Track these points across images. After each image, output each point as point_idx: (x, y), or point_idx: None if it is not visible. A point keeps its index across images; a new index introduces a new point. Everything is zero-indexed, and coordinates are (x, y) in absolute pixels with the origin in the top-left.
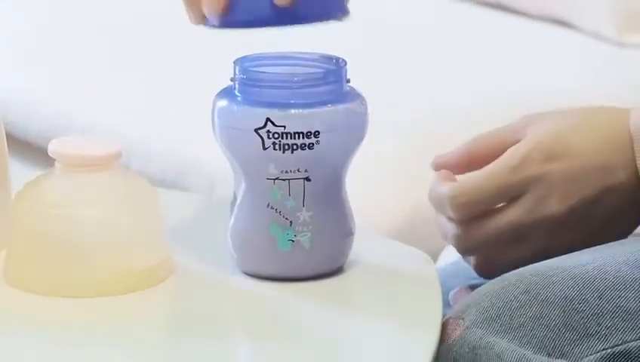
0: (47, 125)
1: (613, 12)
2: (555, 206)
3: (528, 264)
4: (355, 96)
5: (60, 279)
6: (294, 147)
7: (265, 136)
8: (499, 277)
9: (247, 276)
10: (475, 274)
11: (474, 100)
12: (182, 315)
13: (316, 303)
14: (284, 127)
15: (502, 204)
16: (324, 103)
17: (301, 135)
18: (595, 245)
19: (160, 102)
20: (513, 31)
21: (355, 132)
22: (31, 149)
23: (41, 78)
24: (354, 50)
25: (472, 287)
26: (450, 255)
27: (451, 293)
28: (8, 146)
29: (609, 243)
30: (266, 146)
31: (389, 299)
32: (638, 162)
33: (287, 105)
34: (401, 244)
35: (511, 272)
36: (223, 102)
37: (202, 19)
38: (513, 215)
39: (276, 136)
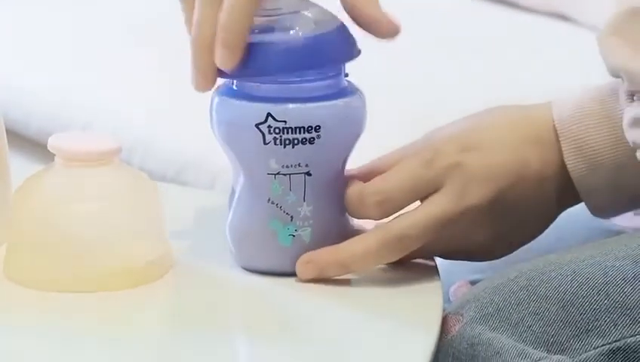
0: (47, 121)
1: (615, 7)
2: (475, 195)
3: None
4: (353, 90)
5: (61, 274)
6: (295, 142)
7: (266, 131)
8: (498, 273)
9: (246, 271)
10: (475, 269)
11: (474, 96)
12: (182, 310)
13: (316, 299)
14: (285, 121)
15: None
16: (324, 98)
17: (302, 129)
18: (512, 241)
19: (161, 98)
20: (515, 26)
21: (354, 126)
22: (31, 145)
23: (41, 74)
24: None
25: (472, 282)
26: None
27: (451, 288)
28: (9, 142)
29: (608, 239)
30: (267, 141)
31: (389, 295)
32: (565, 155)
33: (287, 100)
34: None
35: (510, 268)
36: (221, 98)
37: (213, 80)
38: (436, 208)
39: (277, 131)
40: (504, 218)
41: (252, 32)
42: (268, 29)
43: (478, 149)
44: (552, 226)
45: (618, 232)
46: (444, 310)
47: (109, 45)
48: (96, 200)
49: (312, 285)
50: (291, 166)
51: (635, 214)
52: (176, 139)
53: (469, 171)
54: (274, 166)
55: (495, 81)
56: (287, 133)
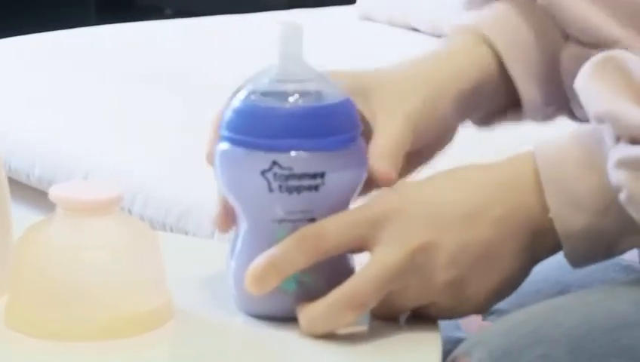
0: (48, 170)
1: None
2: (421, 236)
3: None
4: (355, 135)
5: (62, 323)
6: (300, 189)
7: (271, 179)
8: (506, 316)
9: (248, 318)
10: None
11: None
12: (183, 358)
13: (318, 345)
14: (291, 168)
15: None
16: (328, 146)
17: (307, 176)
18: (484, 289)
19: (161, 146)
20: None
21: (358, 170)
22: (33, 194)
23: (42, 123)
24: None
25: None
26: None
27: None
28: (10, 191)
29: (617, 281)
30: (272, 189)
31: (388, 337)
32: (548, 197)
33: (291, 148)
34: None
35: (520, 310)
36: (225, 146)
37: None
38: (383, 257)
39: (282, 178)
40: (461, 262)
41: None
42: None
43: (421, 196)
44: (561, 259)
45: (626, 266)
46: (453, 339)
47: (109, 94)
48: (97, 250)
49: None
50: (296, 212)
51: None
52: (177, 185)
53: (413, 213)
54: (279, 213)
55: None
56: (293, 180)
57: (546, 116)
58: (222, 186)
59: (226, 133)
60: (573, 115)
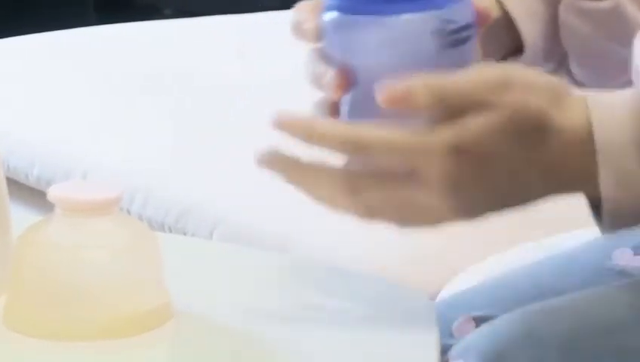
0: (47, 170)
1: None
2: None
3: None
4: None
5: (61, 323)
6: (461, 40)
7: (439, 37)
8: (499, 318)
9: (248, 318)
10: (478, 305)
11: None
12: (181, 359)
13: (314, 346)
14: (455, 21)
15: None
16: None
17: (464, 28)
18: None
19: (160, 146)
20: None
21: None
22: (32, 194)
23: (41, 123)
24: None
25: (475, 318)
26: (453, 288)
27: (455, 324)
28: (9, 191)
29: (610, 287)
30: (441, 46)
31: (384, 345)
32: (600, 172)
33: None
34: (396, 284)
35: (512, 312)
36: (368, 19)
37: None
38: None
39: (448, 33)
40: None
41: None
42: None
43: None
44: (555, 265)
45: (620, 271)
46: (446, 346)
47: (108, 94)
48: (96, 250)
49: (310, 333)
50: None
51: (634, 254)
52: (176, 185)
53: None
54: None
55: None
56: (457, 33)
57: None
58: (358, 68)
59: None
60: (570, 75)
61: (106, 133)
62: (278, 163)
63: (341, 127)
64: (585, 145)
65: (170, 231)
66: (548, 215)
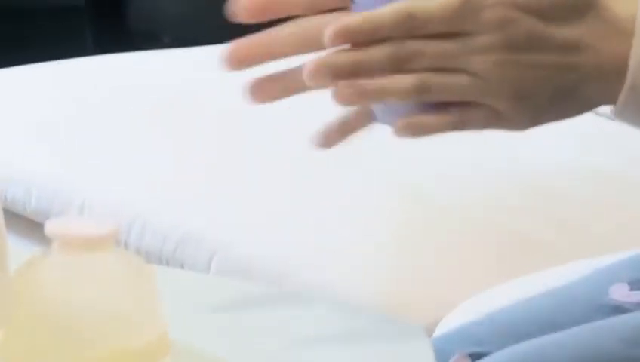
0: (45, 201)
1: None
2: None
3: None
4: None
5: (57, 358)
6: None
7: None
8: (498, 353)
9: (246, 352)
10: (473, 342)
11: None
12: None
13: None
14: None
15: None
16: None
17: None
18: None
19: (158, 175)
20: None
21: None
22: (30, 225)
23: (39, 154)
24: None
25: (471, 355)
26: (451, 322)
27: (451, 361)
28: (7, 222)
29: (607, 322)
30: None
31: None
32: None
33: None
34: (395, 319)
35: (508, 349)
36: None
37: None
38: None
39: None
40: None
41: None
42: None
43: None
44: (551, 300)
45: (616, 307)
46: None
47: (106, 124)
48: (92, 286)
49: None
50: None
51: (631, 289)
52: (173, 215)
53: None
54: None
55: (488, 155)
56: None
57: None
58: None
59: None
60: None
61: (103, 163)
62: (324, 67)
63: (392, 6)
64: (626, 27)
65: (168, 262)
66: (547, 248)
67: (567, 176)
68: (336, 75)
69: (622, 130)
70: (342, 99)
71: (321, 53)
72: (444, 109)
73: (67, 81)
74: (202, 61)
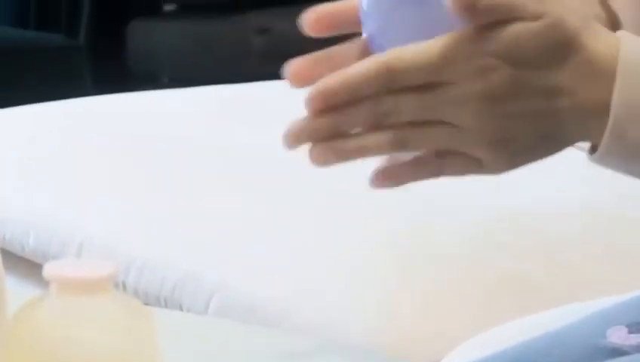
0: (43, 241)
1: None
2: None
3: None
4: None
5: None
6: None
7: None
8: None
9: None
10: None
11: (465, 215)
12: None
13: None
14: None
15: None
16: None
17: None
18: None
19: (156, 216)
20: None
21: None
22: (28, 265)
23: (36, 193)
24: None
25: None
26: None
27: None
28: (5, 262)
29: None
30: None
31: None
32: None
33: None
34: (395, 358)
35: None
36: None
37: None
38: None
39: None
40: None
41: None
42: None
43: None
44: (549, 342)
45: (614, 349)
46: None
47: (104, 165)
48: (90, 329)
49: None
50: None
51: (629, 332)
52: (171, 256)
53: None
54: None
55: (484, 198)
56: None
57: None
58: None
59: None
60: None
61: (101, 203)
62: (302, 133)
63: (368, 61)
64: (607, 70)
65: (166, 302)
66: (543, 289)
67: (566, 217)
68: (314, 138)
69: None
70: (320, 160)
71: (298, 117)
72: (421, 158)
73: (66, 122)
74: (200, 101)
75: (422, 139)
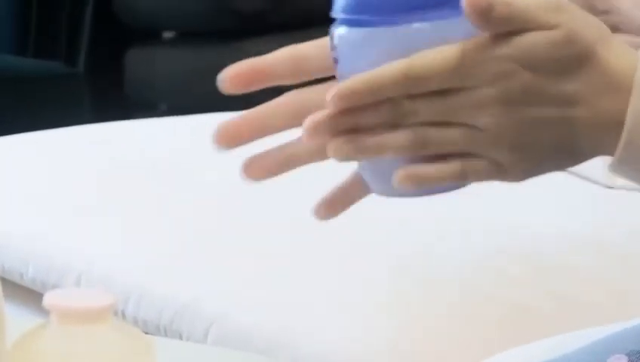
0: (42, 270)
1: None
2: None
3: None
4: None
5: None
6: None
7: None
8: None
9: None
10: None
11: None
12: None
13: None
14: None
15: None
16: None
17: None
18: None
19: (155, 246)
20: None
21: None
22: (27, 294)
23: (35, 222)
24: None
25: None
26: None
27: None
28: (4, 291)
29: None
30: None
31: None
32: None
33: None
34: None
35: None
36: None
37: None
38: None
39: None
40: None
41: None
42: None
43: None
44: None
45: None
46: None
47: (103, 193)
48: (92, 358)
49: None
50: None
51: (629, 361)
52: (170, 285)
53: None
54: None
55: (484, 229)
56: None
57: None
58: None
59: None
60: None
61: (100, 232)
62: (322, 126)
63: (391, 65)
64: (623, 83)
65: (166, 331)
66: (546, 319)
67: (567, 248)
68: (334, 132)
69: (623, 202)
70: (340, 154)
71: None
72: (445, 158)
73: (65, 150)
74: (199, 129)
75: (442, 140)
